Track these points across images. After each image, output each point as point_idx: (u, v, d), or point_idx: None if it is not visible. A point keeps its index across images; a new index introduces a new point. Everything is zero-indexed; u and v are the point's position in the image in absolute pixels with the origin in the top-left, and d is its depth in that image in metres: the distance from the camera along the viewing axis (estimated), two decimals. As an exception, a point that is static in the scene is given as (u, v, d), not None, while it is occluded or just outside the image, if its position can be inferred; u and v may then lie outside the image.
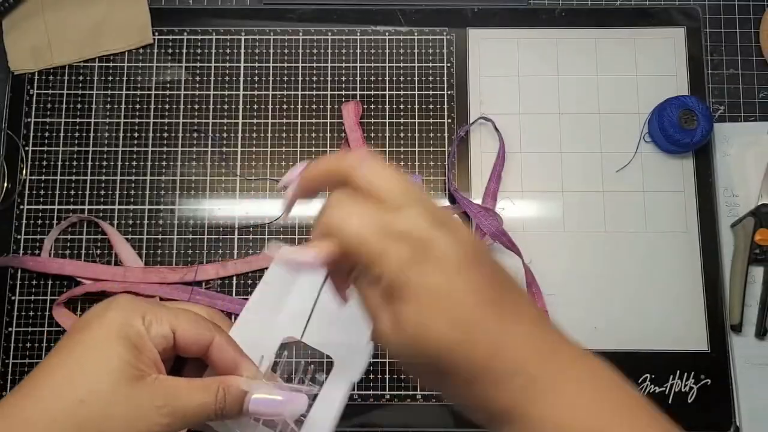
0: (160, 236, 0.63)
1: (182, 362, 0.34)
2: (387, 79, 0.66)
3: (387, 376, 0.60)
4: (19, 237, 0.63)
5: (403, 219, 0.28)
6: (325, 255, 0.29)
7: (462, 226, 0.30)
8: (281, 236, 0.63)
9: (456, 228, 0.29)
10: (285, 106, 0.66)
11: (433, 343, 0.27)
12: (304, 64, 0.66)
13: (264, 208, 0.64)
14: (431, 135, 0.65)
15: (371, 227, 0.28)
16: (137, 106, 0.66)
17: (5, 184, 0.63)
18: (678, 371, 0.60)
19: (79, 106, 0.65)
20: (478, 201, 0.63)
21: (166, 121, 0.65)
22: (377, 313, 0.29)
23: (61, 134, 0.65)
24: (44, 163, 0.65)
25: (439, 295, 0.27)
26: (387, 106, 0.65)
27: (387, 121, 0.65)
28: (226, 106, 0.66)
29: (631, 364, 0.60)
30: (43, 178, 0.64)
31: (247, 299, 0.61)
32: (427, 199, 0.30)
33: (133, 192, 0.64)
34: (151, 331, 0.31)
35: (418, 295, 0.27)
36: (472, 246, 0.29)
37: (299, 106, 0.66)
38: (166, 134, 0.65)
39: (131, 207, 0.64)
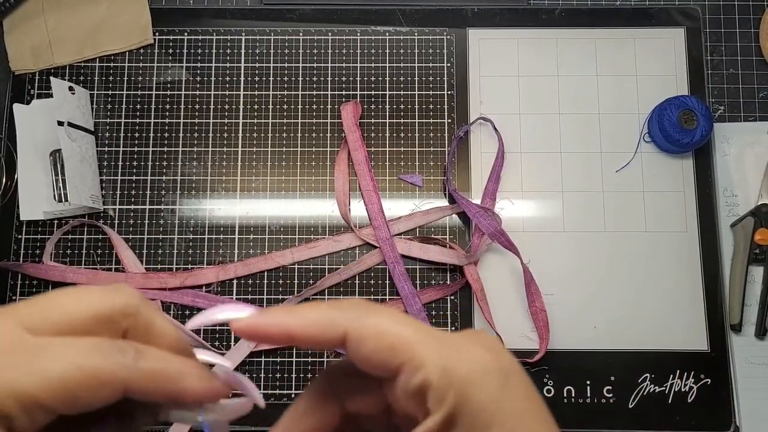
0: (160, 236, 0.63)
1: None
2: (387, 79, 0.66)
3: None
4: (20, 238, 0.63)
5: None
6: None
7: None
8: (281, 236, 0.63)
9: None
10: (285, 106, 0.66)
11: None
12: (304, 64, 0.66)
13: (264, 208, 0.64)
14: (431, 135, 0.65)
15: None
16: (137, 106, 0.66)
17: (5, 182, 0.64)
18: (678, 371, 0.60)
19: (79, 106, 0.66)
20: (477, 201, 0.63)
21: (167, 121, 0.65)
22: None
23: (62, 134, 0.65)
24: (45, 163, 0.65)
25: None
26: (387, 106, 0.66)
27: (387, 121, 0.65)
28: (226, 106, 0.66)
29: (631, 364, 0.60)
30: (43, 178, 0.64)
31: (247, 301, 0.61)
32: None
33: (133, 192, 0.64)
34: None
35: None
36: None
37: (299, 106, 0.66)
38: (166, 134, 0.65)
39: (132, 207, 0.64)
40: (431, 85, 0.66)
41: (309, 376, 0.60)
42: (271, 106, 0.66)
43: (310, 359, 0.61)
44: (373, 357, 0.23)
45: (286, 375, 0.60)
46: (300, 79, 0.66)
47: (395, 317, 0.24)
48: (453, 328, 0.61)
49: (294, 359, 0.61)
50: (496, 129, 0.64)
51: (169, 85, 0.66)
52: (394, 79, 0.66)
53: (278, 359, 0.61)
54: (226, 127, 0.65)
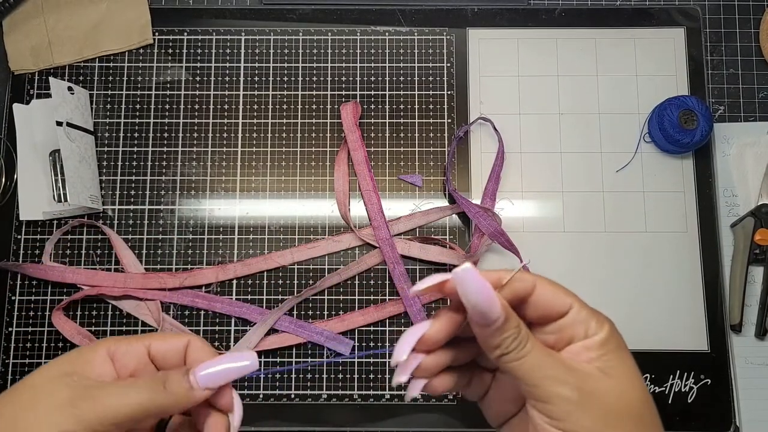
0: (160, 236, 0.63)
1: None
2: (387, 79, 0.66)
3: (387, 376, 0.60)
4: (19, 238, 0.63)
5: None
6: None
7: None
8: (281, 236, 0.63)
9: None
10: (285, 106, 0.66)
11: None
12: (304, 64, 0.66)
13: (264, 208, 0.64)
14: (431, 135, 0.65)
15: None
16: (137, 106, 0.66)
17: (5, 182, 0.64)
18: (678, 371, 0.60)
19: (79, 106, 0.65)
20: (477, 201, 0.63)
21: (166, 121, 0.65)
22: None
23: (61, 134, 0.65)
24: (44, 163, 0.64)
25: None
26: (387, 106, 0.65)
27: (387, 121, 0.65)
28: (226, 106, 0.66)
29: (631, 364, 0.60)
30: (43, 178, 0.64)
31: (246, 301, 0.61)
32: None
33: (133, 192, 0.64)
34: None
35: None
36: None
37: (299, 106, 0.66)
38: (166, 134, 0.65)
39: (131, 207, 0.64)
40: (431, 85, 0.66)
41: (309, 376, 0.60)
42: (270, 106, 0.66)
43: (309, 359, 0.61)
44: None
45: (286, 375, 0.60)
46: (300, 79, 0.66)
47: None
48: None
49: (293, 359, 0.61)
50: (496, 129, 0.64)
51: (168, 85, 0.66)
52: (394, 79, 0.66)
53: (277, 359, 0.61)
54: (225, 127, 0.65)
